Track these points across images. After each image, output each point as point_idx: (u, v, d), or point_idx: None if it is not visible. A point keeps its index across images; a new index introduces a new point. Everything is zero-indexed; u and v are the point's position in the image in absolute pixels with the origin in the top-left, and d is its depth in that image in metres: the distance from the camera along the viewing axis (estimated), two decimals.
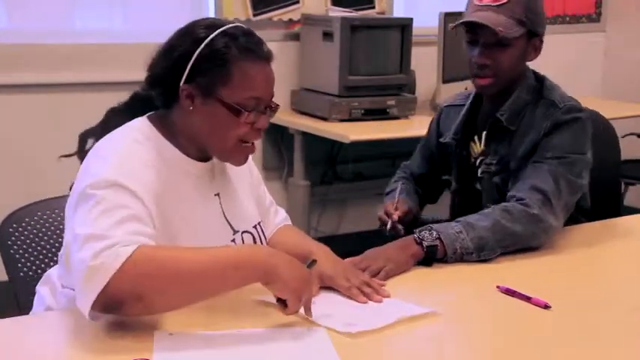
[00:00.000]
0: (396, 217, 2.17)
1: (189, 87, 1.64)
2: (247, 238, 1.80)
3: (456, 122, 2.30)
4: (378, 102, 4.18)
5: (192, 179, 1.71)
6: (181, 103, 1.65)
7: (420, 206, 2.41)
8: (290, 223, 2.04)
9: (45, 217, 1.97)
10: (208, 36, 1.63)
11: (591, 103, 3.06)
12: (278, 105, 1.70)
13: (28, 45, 3.87)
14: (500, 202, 2.07)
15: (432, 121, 2.45)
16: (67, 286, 1.68)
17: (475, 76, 2.17)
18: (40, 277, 1.84)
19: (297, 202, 4.26)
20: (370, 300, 1.73)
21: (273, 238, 1.96)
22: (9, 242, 1.92)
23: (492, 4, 2.10)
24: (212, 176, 1.77)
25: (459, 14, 2.26)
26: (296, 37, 4.40)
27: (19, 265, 1.92)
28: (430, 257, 1.93)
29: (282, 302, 1.55)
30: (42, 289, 1.79)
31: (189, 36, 1.65)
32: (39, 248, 1.95)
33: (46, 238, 1.96)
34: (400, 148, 3.71)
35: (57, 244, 1.94)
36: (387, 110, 4.18)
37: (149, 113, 1.73)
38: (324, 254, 1.83)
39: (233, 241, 1.77)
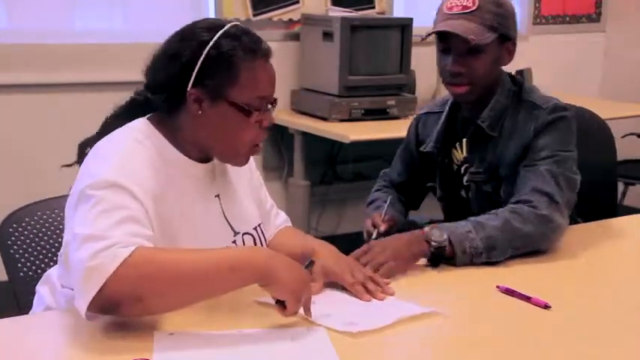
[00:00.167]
0: (383, 228, 2.15)
1: (197, 91, 1.63)
2: (248, 239, 1.80)
3: (436, 130, 2.28)
4: (378, 102, 4.18)
5: (193, 180, 1.71)
6: (189, 107, 1.64)
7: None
8: (290, 224, 2.04)
9: (45, 217, 1.97)
10: (211, 38, 1.63)
11: (591, 103, 3.07)
12: (276, 99, 1.70)
13: (28, 45, 3.87)
14: (492, 210, 2.03)
15: (409, 129, 2.42)
16: (66, 286, 1.68)
17: (450, 84, 2.16)
18: (40, 277, 1.84)
19: (297, 202, 4.27)
20: (373, 297, 1.73)
21: (274, 239, 1.96)
22: (9, 242, 1.92)
23: (462, 12, 2.08)
24: (213, 177, 1.76)
25: None
26: (296, 37, 4.41)
27: (19, 265, 1.92)
28: (438, 257, 1.91)
29: (280, 304, 1.55)
30: (42, 289, 1.79)
31: (192, 40, 1.64)
32: (39, 248, 1.95)
33: (46, 238, 1.96)
34: None
35: (57, 244, 1.94)
36: (387, 110, 4.18)
37: (149, 114, 1.72)
38: (327, 251, 1.84)
39: (234, 242, 1.77)
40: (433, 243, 1.90)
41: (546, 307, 1.70)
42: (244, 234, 1.80)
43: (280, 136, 4.44)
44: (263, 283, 1.53)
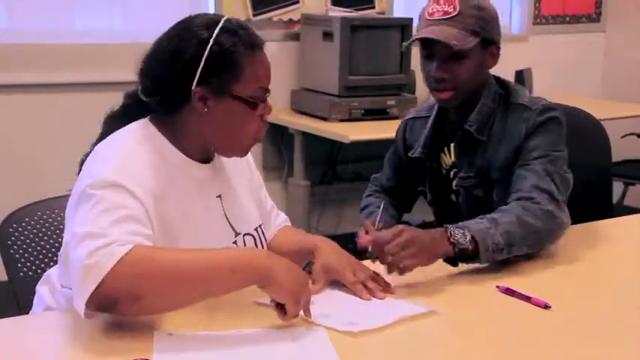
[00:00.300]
0: None
1: (201, 89, 1.63)
2: (249, 240, 1.80)
3: (424, 135, 2.27)
4: (378, 102, 4.18)
5: (195, 181, 1.71)
6: (194, 106, 1.64)
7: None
8: (290, 224, 2.04)
9: (45, 217, 1.97)
10: (211, 36, 1.63)
11: (591, 103, 3.07)
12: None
13: (28, 45, 3.87)
14: (484, 214, 1.99)
15: (397, 134, 2.40)
16: (66, 286, 1.68)
17: (434, 90, 2.15)
18: (40, 277, 1.84)
19: (297, 202, 4.27)
20: (374, 297, 1.73)
21: (275, 238, 1.96)
22: (9, 242, 1.92)
23: (443, 18, 2.07)
24: (214, 178, 1.76)
25: None
26: (296, 37, 4.41)
27: (19, 265, 1.92)
28: (459, 258, 1.87)
29: (280, 308, 1.54)
30: (42, 289, 1.79)
31: (191, 39, 1.63)
32: (39, 248, 1.95)
33: (46, 238, 1.96)
34: None
35: (57, 244, 1.94)
36: (387, 110, 4.19)
37: (149, 115, 1.72)
38: (329, 247, 1.84)
39: (235, 243, 1.77)
40: (460, 245, 1.84)
41: (546, 307, 1.70)
42: (245, 234, 1.80)
43: (280, 136, 4.44)
44: (262, 285, 1.53)
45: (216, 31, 1.63)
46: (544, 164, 2.05)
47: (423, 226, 2.42)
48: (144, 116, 1.71)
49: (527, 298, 1.73)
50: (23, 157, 3.90)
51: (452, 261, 1.90)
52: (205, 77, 1.62)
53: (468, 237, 1.84)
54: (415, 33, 2.17)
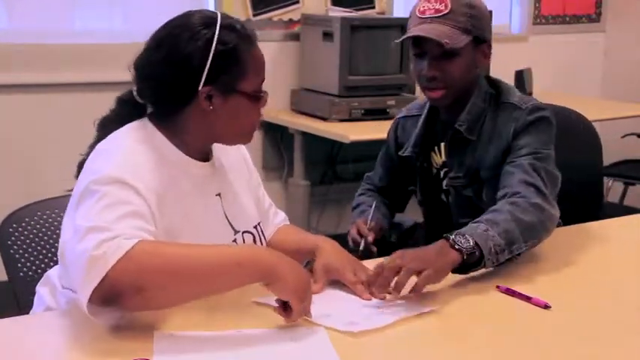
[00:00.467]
0: (371, 238, 2.13)
1: (208, 89, 1.63)
2: (248, 238, 1.80)
3: (415, 134, 2.26)
4: (378, 102, 4.18)
5: (194, 179, 1.71)
6: (200, 104, 1.64)
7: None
8: (289, 223, 2.04)
9: (45, 217, 1.97)
10: (213, 34, 1.63)
11: (591, 103, 3.07)
12: None
13: (28, 45, 3.87)
14: (474, 214, 1.98)
15: (388, 133, 2.39)
16: (67, 287, 1.68)
17: (426, 89, 2.14)
18: (40, 277, 1.84)
19: (297, 202, 4.27)
20: (374, 297, 1.72)
21: (275, 237, 1.96)
22: (9, 242, 1.92)
23: (435, 16, 2.06)
24: (213, 176, 1.76)
25: None
26: (296, 37, 4.40)
27: (19, 265, 1.92)
28: (468, 264, 1.82)
29: (282, 308, 1.54)
30: (42, 290, 1.79)
31: (194, 39, 1.62)
32: (39, 248, 1.95)
33: (46, 238, 1.96)
34: None
35: (57, 244, 1.92)
36: (387, 110, 4.18)
37: (148, 113, 1.72)
38: (330, 247, 1.84)
39: (234, 241, 1.77)
40: (466, 250, 1.78)
41: (546, 307, 1.70)
42: (244, 232, 1.80)
43: (280, 136, 4.44)
44: (266, 282, 1.52)
45: (217, 30, 1.63)
46: (531, 160, 2.04)
47: (415, 227, 2.42)
48: (139, 117, 1.71)
49: (528, 298, 1.73)
50: (23, 157, 3.90)
51: (459, 269, 1.84)
52: (212, 77, 1.63)
53: (471, 241, 1.80)
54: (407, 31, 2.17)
